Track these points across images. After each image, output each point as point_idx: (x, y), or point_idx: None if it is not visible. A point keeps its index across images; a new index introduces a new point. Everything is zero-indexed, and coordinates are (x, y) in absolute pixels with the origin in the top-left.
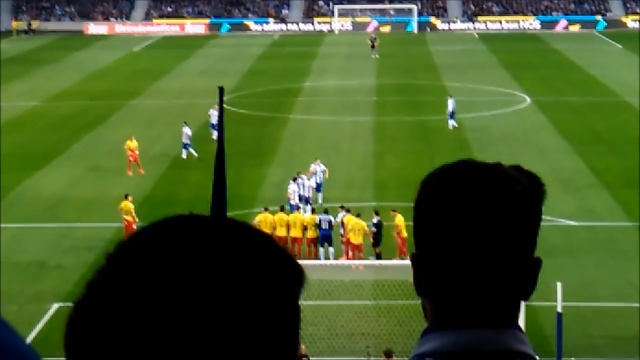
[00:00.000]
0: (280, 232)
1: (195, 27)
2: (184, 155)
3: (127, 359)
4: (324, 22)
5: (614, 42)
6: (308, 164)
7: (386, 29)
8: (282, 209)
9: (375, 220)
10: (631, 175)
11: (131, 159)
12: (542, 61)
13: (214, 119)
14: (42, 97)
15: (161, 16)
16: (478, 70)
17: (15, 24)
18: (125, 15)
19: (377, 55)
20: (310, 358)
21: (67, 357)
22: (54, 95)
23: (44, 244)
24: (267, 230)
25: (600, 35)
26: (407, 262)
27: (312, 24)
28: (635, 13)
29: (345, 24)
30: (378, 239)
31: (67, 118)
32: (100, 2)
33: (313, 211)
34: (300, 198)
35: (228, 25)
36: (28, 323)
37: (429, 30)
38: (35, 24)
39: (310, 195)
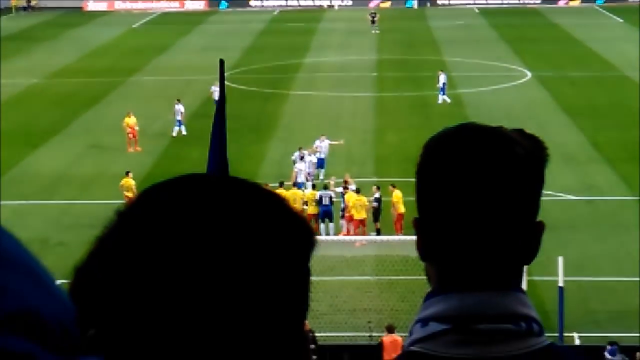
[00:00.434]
0: None
1: (195, 3)
2: (174, 133)
3: (131, 315)
4: None
5: (614, 16)
6: (308, 140)
7: (386, 4)
8: (281, 185)
9: (377, 195)
10: (632, 150)
11: (130, 135)
12: (542, 36)
13: (216, 95)
14: (41, 74)
15: None
16: (478, 45)
17: (14, 1)
18: None
19: (377, 31)
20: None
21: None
22: (54, 73)
23: (45, 221)
24: None
25: (600, 9)
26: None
27: None
28: None
29: None
30: (377, 215)
31: (67, 95)
32: None
33: (314, 187)
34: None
35: (227, 2)
36: None
37: (428, 5)
38: (34, 1)
39: (312, 170)
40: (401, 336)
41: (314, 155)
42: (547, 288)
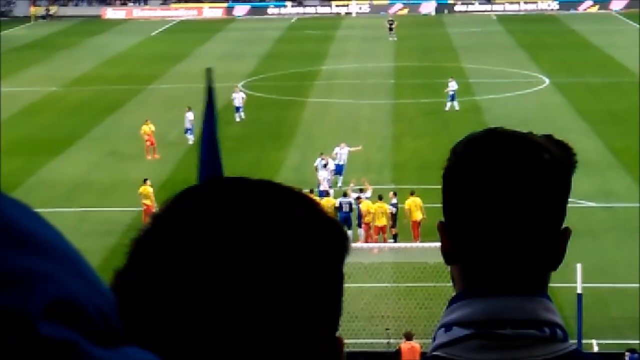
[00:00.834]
0: None
1: (213, 11)
2: (190, 142)
3: (168, 319)
4: (341, 5)
5: (631, 22)
6: (326, 147)
7: (404, 11)
8: (311, 192)
9: (394, 201)
10: None
11: (148, 143)
12: (560, 42)
13: (237, 102)
14: (60, 82)
15: (179, 0)
16: (496, 52)
17: (33, 10)
18: None
19: (394, 38)
20: None
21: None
22: (73, 80)
23: (63, 228)
24: None
25: (618, 16)
26: (427, 244)
27: (330, 6)
28: None
29: (363, 6)
30: (394, 220)
31: (86, 103)
32: None
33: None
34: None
35: (245, 9)
36: None
37: (446, 12)
38: (53, 9)
39: (330, 177)
40: (419, 343)
41: (333, 162)
42: (566, 295)
